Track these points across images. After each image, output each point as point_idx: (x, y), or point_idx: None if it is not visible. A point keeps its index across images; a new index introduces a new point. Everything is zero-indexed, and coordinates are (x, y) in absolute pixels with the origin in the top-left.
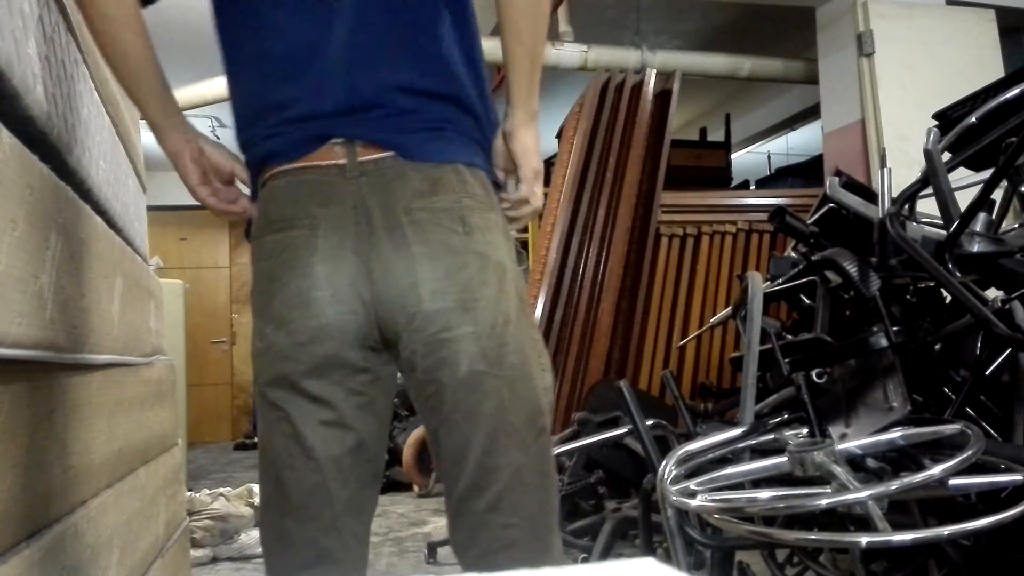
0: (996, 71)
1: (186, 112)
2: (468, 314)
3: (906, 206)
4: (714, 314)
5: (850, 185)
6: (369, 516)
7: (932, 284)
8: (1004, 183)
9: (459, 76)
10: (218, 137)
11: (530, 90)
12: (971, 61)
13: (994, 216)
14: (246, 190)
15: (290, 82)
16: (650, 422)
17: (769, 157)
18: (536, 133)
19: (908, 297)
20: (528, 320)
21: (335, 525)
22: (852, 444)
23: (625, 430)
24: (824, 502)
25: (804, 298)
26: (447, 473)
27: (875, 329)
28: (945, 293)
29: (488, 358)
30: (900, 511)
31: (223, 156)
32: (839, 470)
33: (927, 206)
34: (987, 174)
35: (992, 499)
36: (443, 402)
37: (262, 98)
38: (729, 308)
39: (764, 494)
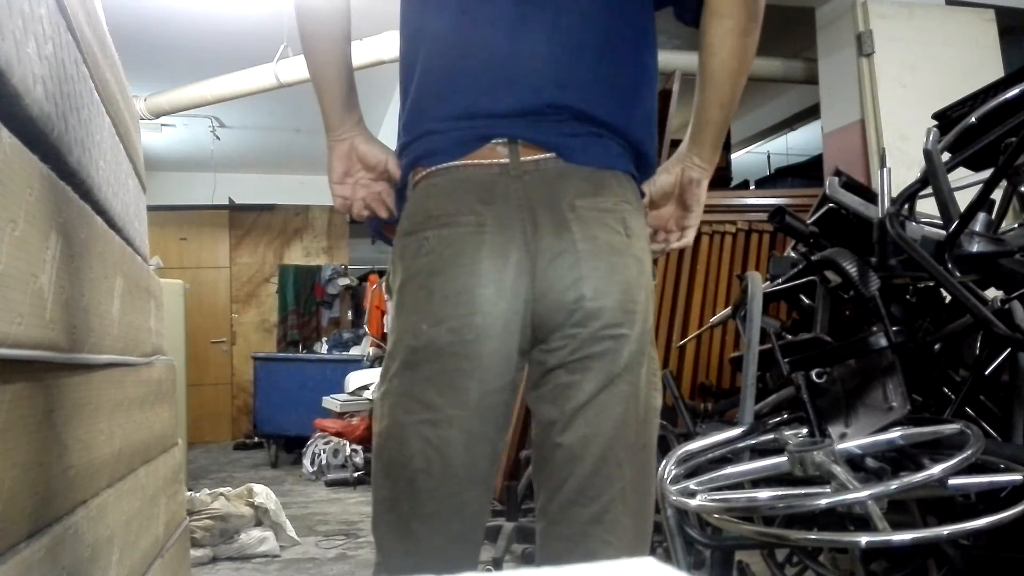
0: (996, 71)
1: (186, 112)
2: (628, 316)
3: (906, 206)
4: (714, 314)
5: (850, 185)
6: (487, 519)
7: (932, 284)
8: (1004, 183)
9: (633, 114)
10: (218, 137)
11: (719, 145)
12: (971, 61)
13: (994, 216)
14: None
15: (467, 77)
16: None
17: (769, 157)
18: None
19: (908, 297)
20: (653, 335)
21: (463, 535)
22: (852, 444)
23: None
24: (824, 502)
25: (804, 298)
26: (554, 470)
27: (875, 329)
28: (945, 293)
29: (630, 363)
30: (900, 511)
31: (376, 150)
32: (839, 470)
33: (927, 206)
34: (987, 174)
35: (992, 499)
36: (571, 398)
37: (433, 87)
38: (729, 308)
39: (764, 494)
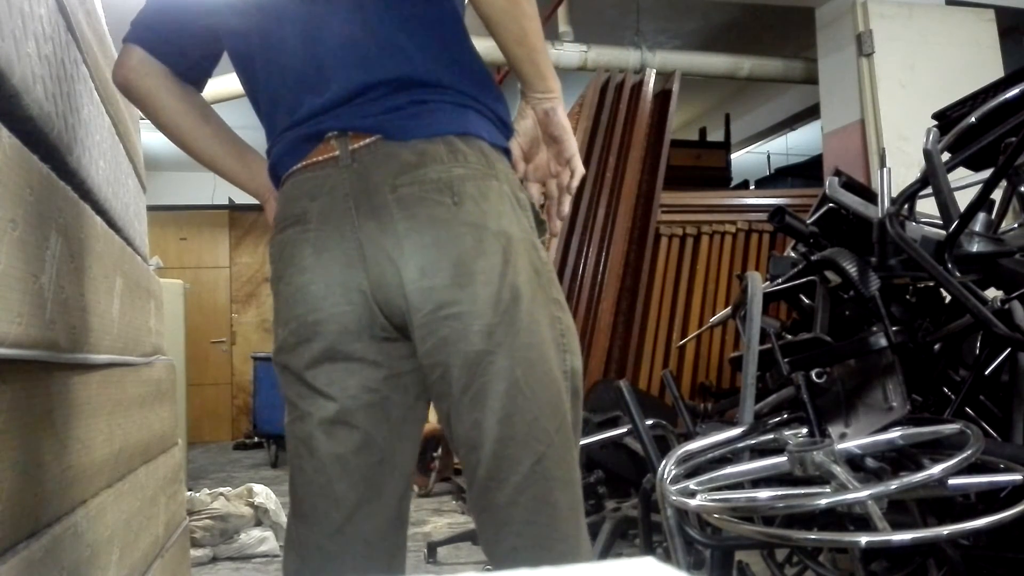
0: (996, 71)
1: None
2: (465, 290)
3: (906, 206)
4: (714, 314)
5: (850, 185)
6: (384, 523)
7: (932, 284)
8: (1004, 183)
9: (456, 67)
10: None
11: (545, 72)
12: (971, 61)
13: (993, 216)
14: None
15: (292, 91)
16: (650, 422)
17: (769, 157)
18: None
19: (908, 297)
20: (547, 296)
21: (341, 529)
22: (851, 444)
23: (625, 430)
24: (824, 502)
25: (804, 298)
26: (464, 461)
27: (875, 329)
28: (945, 293)
29: (495, 337)
30: (900, 511)
31: None
32: (839, 470)
33: (927, 206)
34: (987, 174)
35: (991, 499)
36: (450, 385)
37: (272, 110)
38: (729, 308)
39: (764, 494)
